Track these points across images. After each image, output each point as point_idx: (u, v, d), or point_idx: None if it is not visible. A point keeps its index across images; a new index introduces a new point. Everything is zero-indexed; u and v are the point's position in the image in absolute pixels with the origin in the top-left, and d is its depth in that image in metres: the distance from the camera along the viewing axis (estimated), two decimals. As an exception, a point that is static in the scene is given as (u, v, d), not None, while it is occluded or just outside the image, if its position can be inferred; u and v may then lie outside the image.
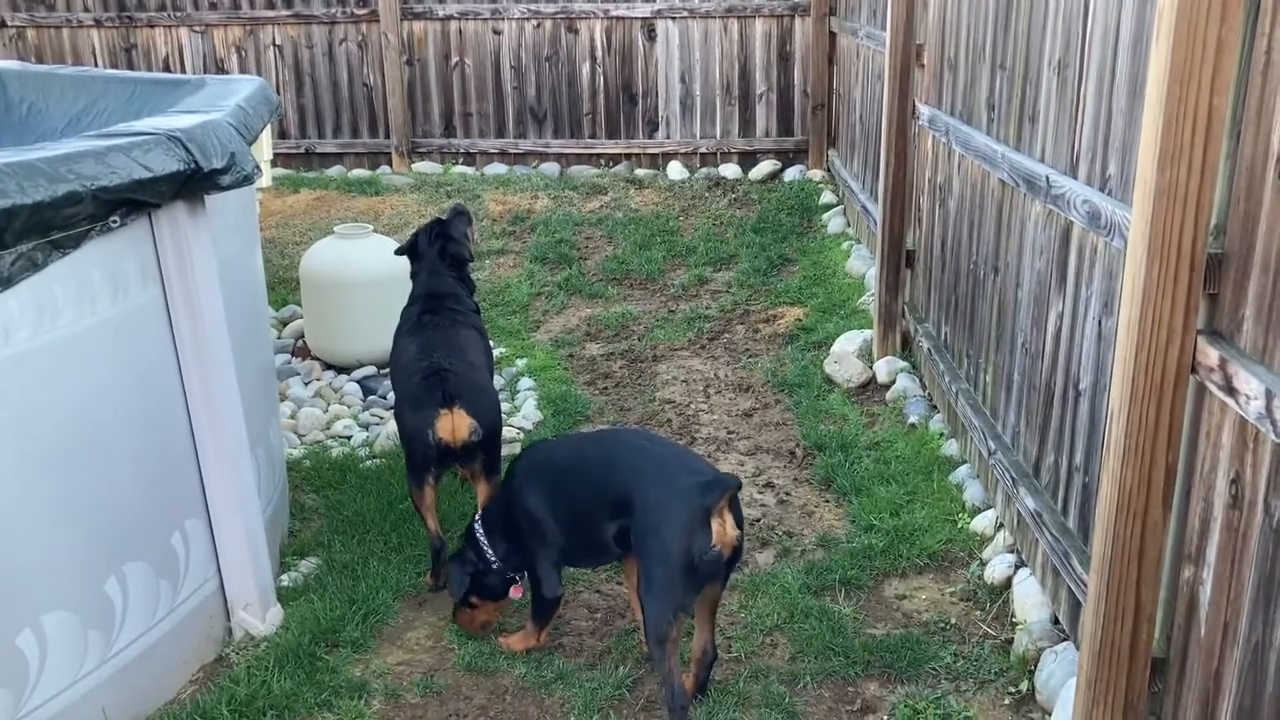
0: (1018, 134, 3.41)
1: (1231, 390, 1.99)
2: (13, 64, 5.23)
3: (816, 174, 8.23)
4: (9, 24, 8.60)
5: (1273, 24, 1.93)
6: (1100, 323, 2.72)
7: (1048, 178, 3.02)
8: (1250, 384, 1.92)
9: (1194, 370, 2.13)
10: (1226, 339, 2.07)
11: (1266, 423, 1.87)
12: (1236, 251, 2.05)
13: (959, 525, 3.69)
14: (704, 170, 8.43)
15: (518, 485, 3.05)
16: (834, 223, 7.13)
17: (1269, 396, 1.86)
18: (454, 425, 3.25)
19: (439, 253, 3.93)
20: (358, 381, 5.06)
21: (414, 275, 3.99)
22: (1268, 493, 1.93)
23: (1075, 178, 2.89)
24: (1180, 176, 2.04)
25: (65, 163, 2.47)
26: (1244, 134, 2.02)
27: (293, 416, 4.68)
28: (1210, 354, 2.07)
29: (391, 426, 4.52)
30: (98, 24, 8.57)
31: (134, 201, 2.67)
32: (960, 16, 4.11)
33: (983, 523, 3.63)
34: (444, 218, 4.10)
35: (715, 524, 2.65)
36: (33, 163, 2.41)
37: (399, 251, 4.11)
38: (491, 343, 5.54)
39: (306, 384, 5.05)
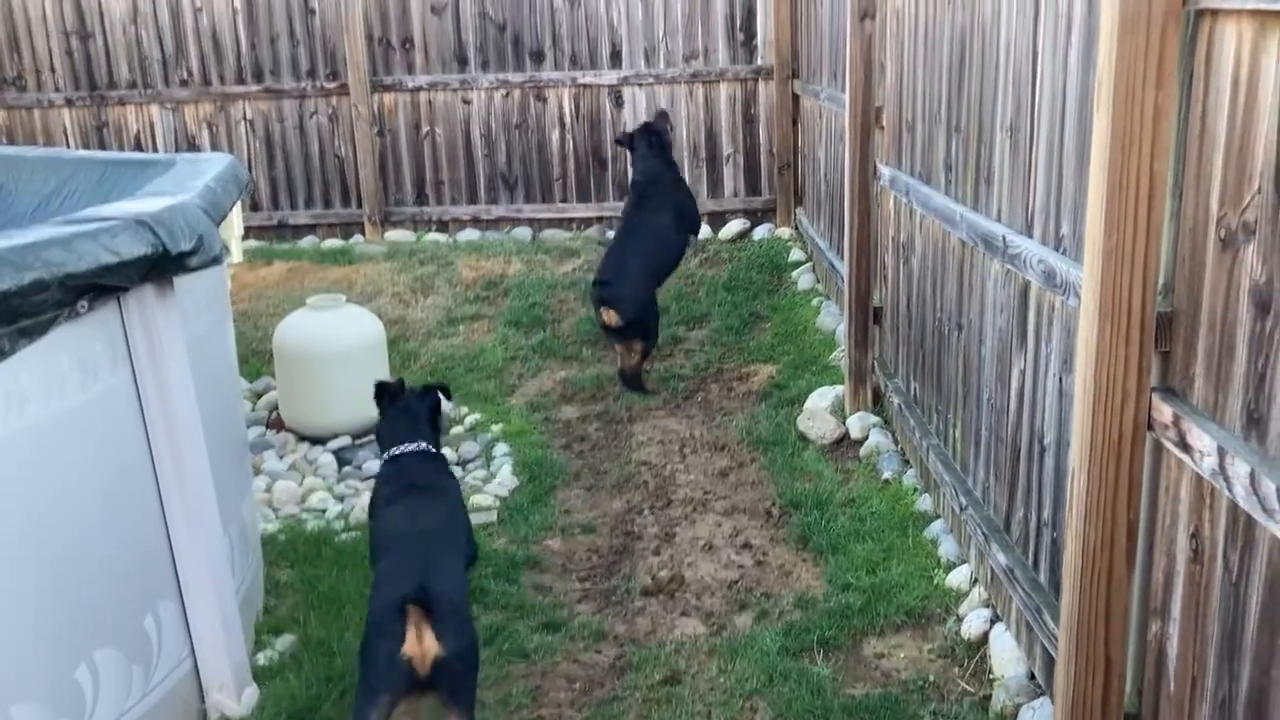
0: (974, 194, 3.49)
1: (1186, 447, 2.03)
2: (-17, 146, 5.27)
3: (785, 232, 8.33)
4: (-21, 104, 8.66)
5: (1205, 90, 2.00)
6: (1061, 379, 2.76)
7: (1004, 237, 3.09)
8: (1203, 440, 1.96)
9: (1150, 427, 2.17)
10: (1180, 396, 2.11)
11: (1220, 479, 1.90)
12: (1185, 310, 2.10)
13: (935, 581, 3.71)
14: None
15: None
16: (803, 279, 7.21)
17: (1221, 453, 1.90)
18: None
19: (648, 144, 6.47)
20: (333, 453, 5.06)
21: (633, 163, 6.64)
22: (1226, 547, 1.96)
23: (1031, 237, 2.95)
24: (1127, 238, 2.10)
25: (32, 251, 2.49)
26: (1185, 196, 2.08)
27: (267, 490, 4.66)
28: (1165, 411, 2.11)
29: (366, 499, 4.51)
30: (69, 103, 8.63)
31: (102, 286, 2.68)
32: (916, 80, 4.21)
33: (958, 578, 3.65)
34: (650, 121, 6.71)
35: (410, 633, 2.61)
36: (-1, 252, 2.42)
37: (618, 142, 6.83)
38: (465, 409, 5.58)
39: (281, 457, 5.04)
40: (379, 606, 2.77)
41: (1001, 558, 3.16)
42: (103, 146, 8.65)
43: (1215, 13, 1.95)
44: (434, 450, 3.53)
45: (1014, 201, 3.11)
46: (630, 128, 7.24)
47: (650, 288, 5.96)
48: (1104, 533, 2.23)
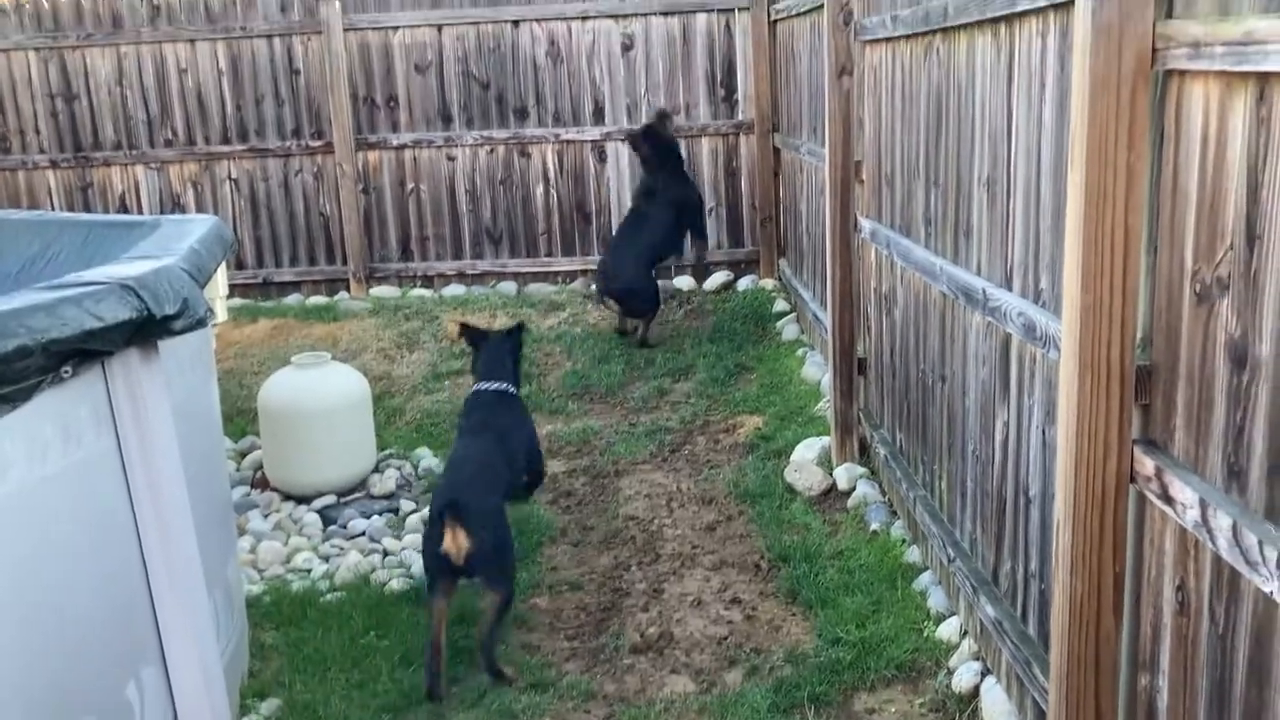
0: (954, 248, 3.53)
1: (1169, 499, 2.04)
2: (-33, 209, 5.28)
3: (769, 283, 8.38)
4: (-36, 166, 8.68)
5: (1176, 149, 2.04)
6: (1044, 432, 2.78)
7: (984, 290, 3.12)
8: (1185, 493, 1.97)
9: (1133, 480, 2.19)
10: (1161, 448, 2.13)
11: (1203, 531, 1.91)
12: (1163, 363, 2.12)
13: (925, 634, 3.69)
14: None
15: None
16: (788, 330, 7.25)
17: (1204, 505, 1.91)
18: None
19: (651, 146, 7.38)
20: (318, 512, 5.03)
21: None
22: (1212, 600, 1.97)
23: (1010, 290, 2.98)
24: (1104, 294, 2.12)
25: (15, 317, 2.49)
26: (1160, 251, 2.11)
27: (252, 551, 4.62)
28: (1147, 464, 2.13)
29: (352, 558, 4.49)
30: (54, 165, 8.66)
31: (86, 351, 2.68)
32: (894, 135, 4.27)
33: (948, 630, 3.64)
34: (651, 122, 7.31)
35: (446, 535, 3.49)
36: (-17, 319, 2.42)
37: (630, 144, 7.73)
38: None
39: (266, 516, 5.01)
40: (429, 517, 3.74)
41: (990, 610, 3.16)
42: (87, 207, 8.66)
43: (1183, 73, 2.00)
44: (509, 389, 4.38)
45: (993, 255, 3.15)
46: (640, 142, 7.67)
47: (646, 270, 7.28)
48: (1091, 585, 2.24)
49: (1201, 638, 2.01)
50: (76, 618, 2.70)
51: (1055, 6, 2.56)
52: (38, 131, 8.65)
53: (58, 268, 4.45)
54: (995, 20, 3.03)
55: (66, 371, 2.67)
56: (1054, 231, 2.65)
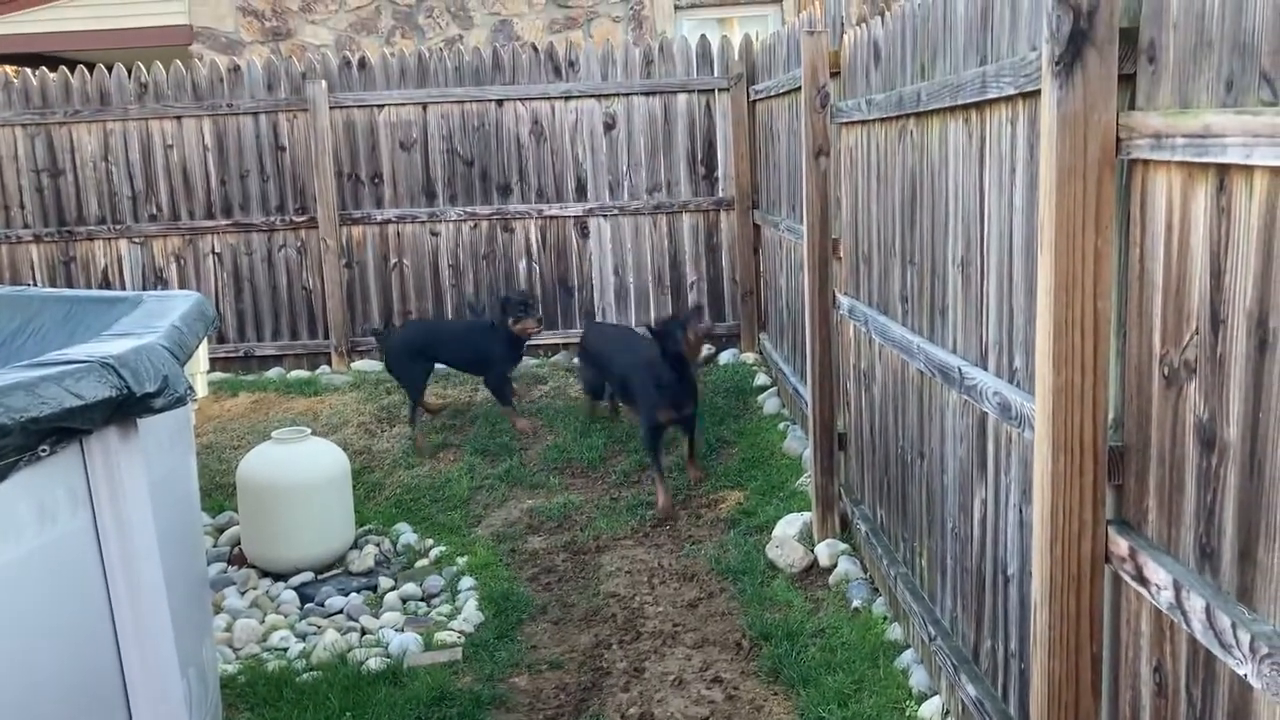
0: (930, 326, 3.58)
1: (1144, 580, 2.06)
2: (-51, 284, 5.28)
3: (750, 357, 8.44)
4: (-53, 239, 8.70)
5: (1142, 234, 2.09)
6: (1021, 510, 2.80)
7: (960, 369, 3.16)
8: (1159, 574, 1.99)
9: (1108, 560, 2.20)
10: (1135, 529, 2.15)
11: (1178, 613, 1.93)
12: (1135, 445, 2.15)
13: (907, 714, 3.66)
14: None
15: None
16: (769, 404, 7.28)
17: (1178, 586, 1.92)
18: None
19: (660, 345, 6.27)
20: (295, 589, 4.98)
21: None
22: (1188, 681, 1.97)
23: (986, 369, 3.02)
24: (1075, 376, 2.16)
25: (-4, 396, 2.49)
26: (1129, 334, 2.15)
27: (228, 629, 4.56)
28: (1121, 544, 2.14)
29: (329, 637, 4.43)
30: (37, 239, 8.69)
31: (65, 429, 2.68)
32: (871, 214, 4.35)
33: (930, 710, 3.61)
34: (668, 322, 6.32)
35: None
36: (-38, 399, 2.42)
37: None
38: (430, 541, 5.52)
39: (242, 594, 4.95)
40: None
41: (971, 689, 3.14)
42: (70, 281, 8.67)
43: (1147, 163, 2.06)
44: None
45: (968, 334, 3.19)
46: (655, 326, 6.60)
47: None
48: (1069, 666, 2.24)
49: (1180, 719, 2.01)
50: (48, 697, 2.66)
51: (1024, 95, 2.64)
52: (22, 206, 8.69)
53: (39, 343, 4.45)
54: (966, 106, 3.11)
55: (44, 450, 2.66)
56: (1027, 311, 2.70)
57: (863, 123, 4.40)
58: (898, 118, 3.87)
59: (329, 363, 8.67)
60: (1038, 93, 2.41)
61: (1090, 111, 2.09)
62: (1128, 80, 2.10)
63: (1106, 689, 2.29)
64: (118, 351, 2.91)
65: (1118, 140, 2.10)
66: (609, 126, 8.51)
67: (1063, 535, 2.20)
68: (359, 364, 8.64)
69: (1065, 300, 2.14)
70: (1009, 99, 2.76)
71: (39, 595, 2.66)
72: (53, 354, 2.97)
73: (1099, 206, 2.12)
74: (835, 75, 4.83)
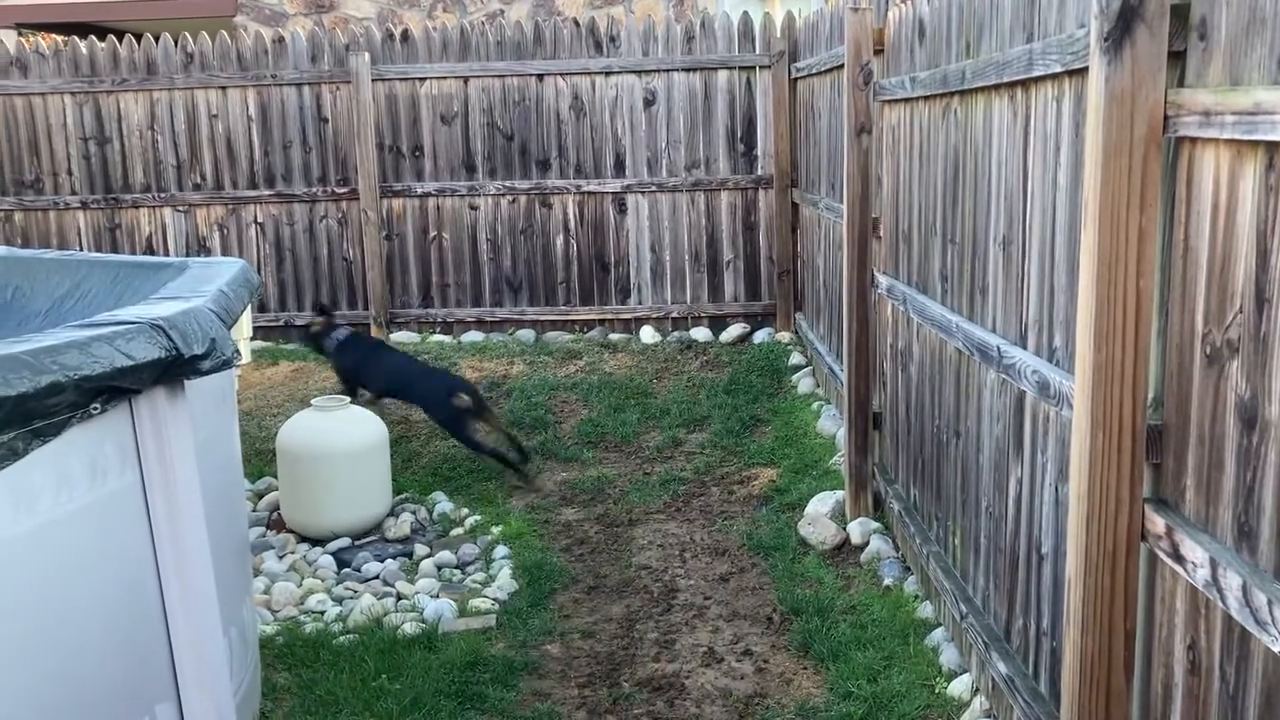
0: (970, 305, 3.57)
1: (1180, 558, 2.06)
2: (-1, 248, 5.38)
3: (785, 336, 8.43)
4: (-3, 206, 8.85)
5: (1188, 213, 2.08)
6: (1057, 489, 2.80)
7: (999, 348, 3.16)
8: (1196, 552, 1.99)
9: (1144, 538, 2.20)
10: (1172, 507, 2.15)
11: (1214, 591, 1.93)
12: (1174, 423, 2.15)
13: (936, 690, 3.68)
14: (676, 334, 8.63)
15: None
16: (803, 383, 7.28)
17: (1214, 564, 1.93)
18: None
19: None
20: (332, 554, 5.05)
21: None
22: (1223, 659, 1.98)
23: (1025, 348, 3.02)
24: (1115, 354, 2.16)
25: (49, 354, 2.55)
26: (1172, 313, 2.15)
27: (266, 592, 4.64)
28: (1157, 522, 2.15)
29: (365, 601, 4.51)
30: (84, 206, 8.82)
31: (115, 389, 2.74)
32: (912, 193, 4.33)
33: (959, 687, 3.63)
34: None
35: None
36: (17, 355, 2.48)
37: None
38: (466, 510, 5.59)
39: (281, 558, 5.03)
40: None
41: (1002, 666, 3.15)
42: (115, 248, 8.80)
43: (1194, 141, 2.04)
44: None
45: (1008, 313, 3.19)
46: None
47: None
48: (1101, 643, 2.25)
49: (1213, 697, 2.02)
50: (94, 650, 2.73)
51: (1070, 73, 2.62)
52: (70, 173, 8.82)
53: (87, 306, 4.54)
54: (1011, 85, 3.09)
55: (95, 408, 2.73)
56: (1068, 291, 2.69)
57: (906, 101, 4.38)
58: (941, 96, 3.86)
59: (368, 333, 8.75)
60: (1084, 70, 2.40)
61: (1138, 89, 2.08)
62: (1177, 57, 2.09)
63: (1139, 667, 2.29)
64: (167, 314, 2.96)
65: (1165, 118, 2.09)
66: (649, 102, 8.50)
67: (1099, 513, 2.21)
68: (398, 335, 8.72)
69: (1108, 278, 2.14)
70: (1055, 77, 2.75)
71: (89, 549, 2.73)
72: (103, 315, 3.04)
73: (1144, 184, 2.11)
74: (879, 53, 4.81)
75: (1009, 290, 3.18)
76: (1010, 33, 3.12)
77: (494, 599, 4.56)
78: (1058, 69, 2.65)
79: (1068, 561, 2.34)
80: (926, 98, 4.06)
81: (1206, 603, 2.01)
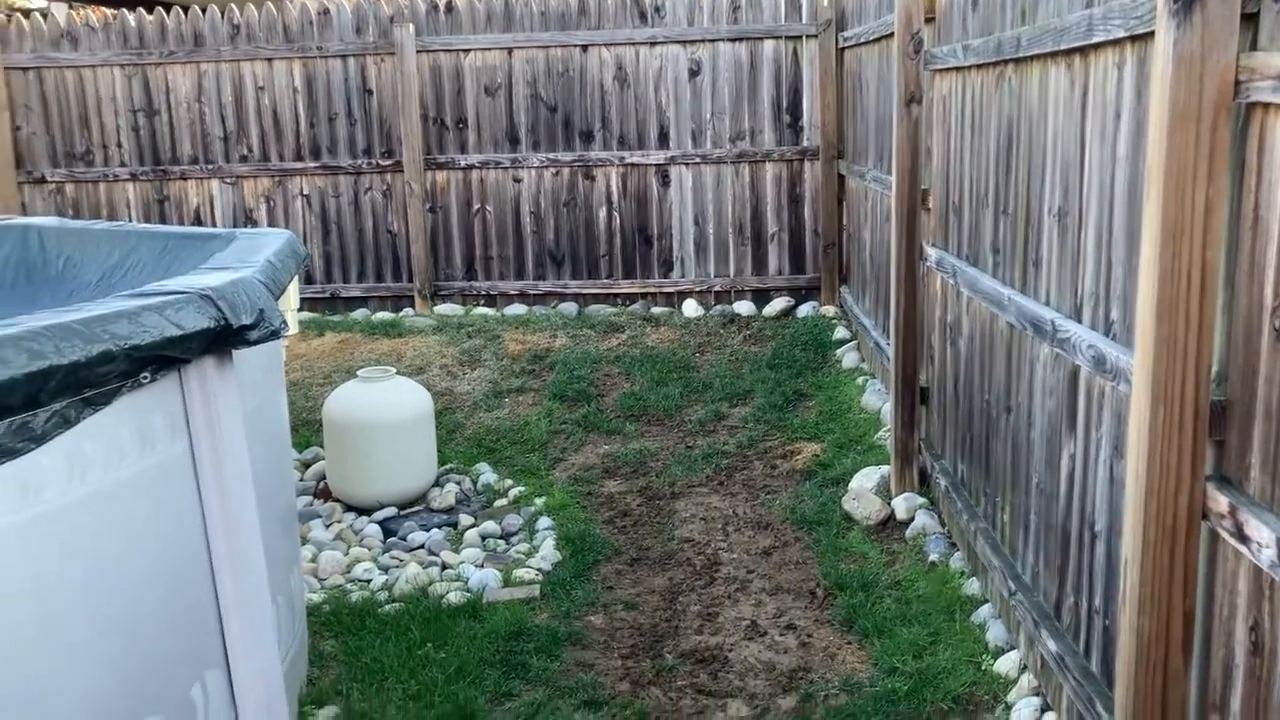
0: (1023, 278, 3.50)
1: (1243, 537, 2.01)
2: (50, 220, 5.44)
3: (829, 310, 8.36)
4: (49, 179, 8.96)
5: (1258, 183, 2.01)
6: (1112, 466, 2.74)
7: (1053, 322, 3.09)
8: (1261, 532, 1.94)
9: (1205, 516, 2.15)
10: (1235, 486, 2.09)
11: (1279, 571, 1.88)
12: (1239, 400, 2.09)
13: (983, 667, 3.64)
14: (718, 307, 8.59)
15: None
16: (848, 358, 7.21)
17: (1280, 545, 1.88)
18: None
19: None
20: (378, 523, 5.09)
21: None
22: (1286, 641, 1.93)
23: (1080, 322, 2.95)
24: (1179, 328, 2.10)
25: (100, 323, 2.56)
26: (1239, 287, 2.08)
27: (313, 560, 4.69)
28: (1220, 500, 2.09)
29: (411, 570, 4.53)
30: (133, 178, 8.91)
31: (165, 358, 2.75)
32: (963, 163, 4.25)
33: (1006, 664, 3.59)
34: None
35: None
36: (69, 324, 2.50)
37: None
38: (510, 481, 5.60)
39: (327, 526, 5.08)
40: None
41: (1052, 644, 3.11)
42: (163, 219, 8.89)
43: (1267, 106, 1.97)
44: None
45: (1063, 286, 3.12)
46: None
47: None
48: (1159, 623, 2.20)
49: (1275, 679, 1.97)
50: (146, 617, 2.76)
51: (1133, 38, 2.54)
52: (119, 145, 8.91)
53: (136, 277, 4.58)
54: (1069, 51, 3.01)
55: (145, 377, 2.75)
56: (1127, 263, 2.62)
57: (957, 69, 4.29)
58: (995, 64, 3.77)
59: (412, 306, 8.79)
60: (1148, 35, 2.33)
61: (1208, 53, 2.01)
62: (1249, 20, 2.02)
63: (1198, 648, 2.25)
64: (216, 284, 2.98)
65: (1236, 83, 2.02)
66: (694, 73, 8.42)
67: (1158, 490, 2.16)
68: (441, 307, 8.75)
69: (1172, 251, 2.08)
70: (1116, 43, 2.67)
71: (141, 518, 2.76)
72: (153, 285, 3.06)
73: (1212, 153, 2.04)
74: (929, 21, 4.71)
75: (1064, 263, 3.11)
76: (1069, -2, 3.04)
77: (537, 569, 4.58)
78: (1120, 34, 2.57)
79: (1124, 540, 2.29)
80: (979, 66, 3.97)
81: (1271, 583, 1.96)
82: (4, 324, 2.41)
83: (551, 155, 8.57)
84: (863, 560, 4.55)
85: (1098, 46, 2.80)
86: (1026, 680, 3.41)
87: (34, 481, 2.43)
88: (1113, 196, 2.73)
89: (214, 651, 3.02)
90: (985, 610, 3.91)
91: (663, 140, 8.52)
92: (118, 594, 2.67)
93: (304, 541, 4.83)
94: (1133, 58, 2.58)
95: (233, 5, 8.73)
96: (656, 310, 8.61)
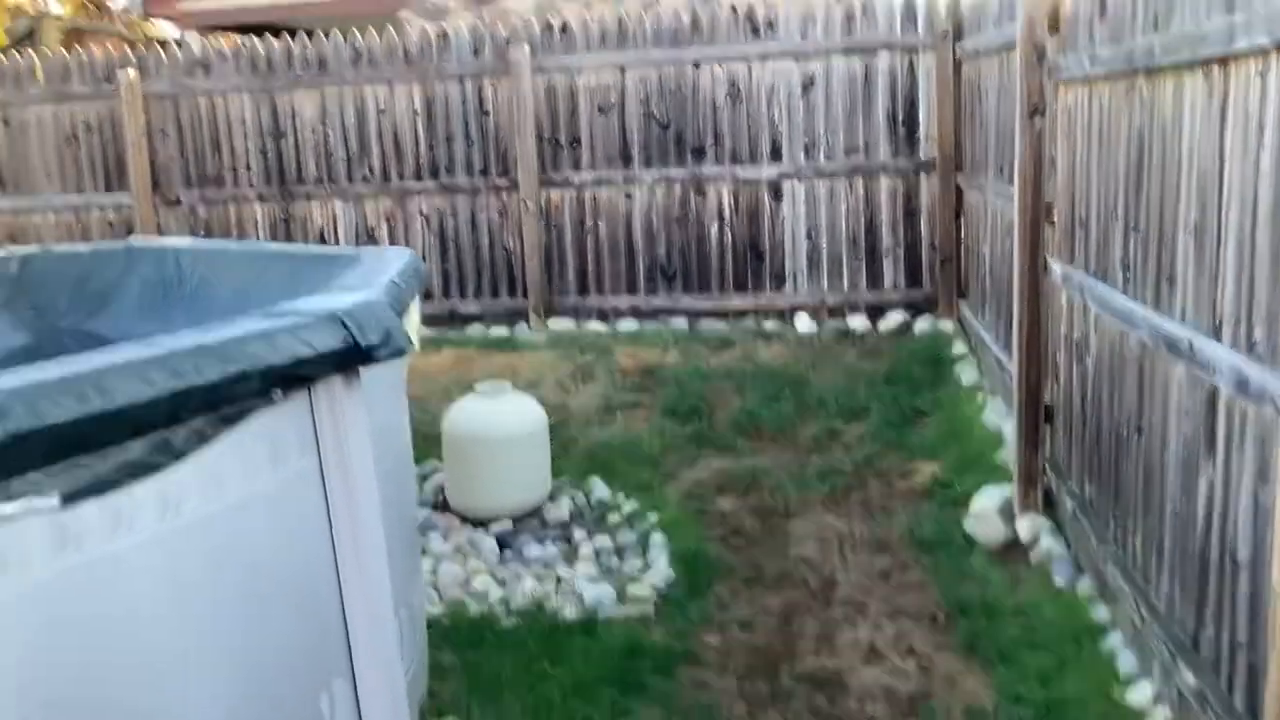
0: (1155, 295, 3.38)
1: (1405, 573, 1.89)
2: (185, 241, 5.69)
3: (947, 325, 8.19)
4: (183, 200, 9.36)
5: None
6: (1256, 493, 2.62)
7: (1189, 341, 2.97)
8: None
9: (1362, 549, 2.04)
10: (1395, 517, 1.98)
11: None
12: (1399, 426, 1.98)
13: (1114, 698, 3.51)
14: (831, 323, 8.49)
15: None
16: (967, 374, 7.05)
17: None
18: None
19: None
20: (495, 537, 5.16)
21: None
22: None
23: (1219, 341, 2.83)
24: (1332, 349, 2.00)
25: (236, 344, 2.66)
26: (1397, 306, 1.97)
27: (433, 572, 4.78)
28: (1378, 533, 1.98)
29: (527, 584, 4.59)
30: (261, 198, 9.25)
31: (296, 377, 2.84)
32: (1090, 176, 4.13)
33: (1140, 696, 3.45)
34: None
35: None
36: (206, 345, 2.60)
37: None
38: (623, 496, 5.62)
39: (445, 539, 5.17)
40: None
41: (1190, 678, 2.98)
42: (289, 238, 9.21)
43: None
44: None
45: (1200, 304, 3.00)
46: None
47: None
48: (1311, 661, 2.09)
49: None
50: (278, 627, 2.85)
51: (1279, 47, 2.44)
52: (248, 167, 9.27)
53: (267, 297, 4.74)
54: (1207, 61, 2.90)
55: (277, 395, 2.84)
56: (1272, 281, 2.51)
57: (1084, 80, 4.17)
58: (1124, 74, 3.65)
59: (526, 322, 8.91)
60: (1296, 43, 2.22)
61: (1363, 61, 1.91)
62: None
63: (1352, 688, 2.13)
64: (345, 305, 3.06)
65: (1394, 93, 1.91)
66: (806, 87, 8.37)
67: (1309, 521, 2.05)
68: (555, 323, 8.85)
69: (1324, 268, 1.98)
70: (1260, 52, 2.56)
71: (275, 530, 2.85)
72: (285, 305, 3.16)
73: (1368, 166, 1.94)
74: (1053, 30, 4.59)
75: (1201, 280, 2.99)
76: (1207, 5, 2.92)
77: (652, 586, 4.58)
78: (1264, 41, 2.47)
79: (1273, 572, 2.18)
80: (1108, 77, 3.85)
81: None
82: (147, 344, 2.52)
83: (663, 172, 8.61)
84: (985, 583, 4.43)
85: (1238, 56, 2.69)
86: (1162, 713, 3.28)
87: (174, 496, 2.53)
88: (1256, 212, 2.62)
89: (340, 662, 3.09)
90: (1115, 638, 3.77)
91: (775, 155, 8.48)
92: (249, 604, 2.76)
93: (423, 554, 4.93)
94: (1278, 67, 2.47)
95: (355, 30, 9.01)
96: (768, 325, 8.56)
